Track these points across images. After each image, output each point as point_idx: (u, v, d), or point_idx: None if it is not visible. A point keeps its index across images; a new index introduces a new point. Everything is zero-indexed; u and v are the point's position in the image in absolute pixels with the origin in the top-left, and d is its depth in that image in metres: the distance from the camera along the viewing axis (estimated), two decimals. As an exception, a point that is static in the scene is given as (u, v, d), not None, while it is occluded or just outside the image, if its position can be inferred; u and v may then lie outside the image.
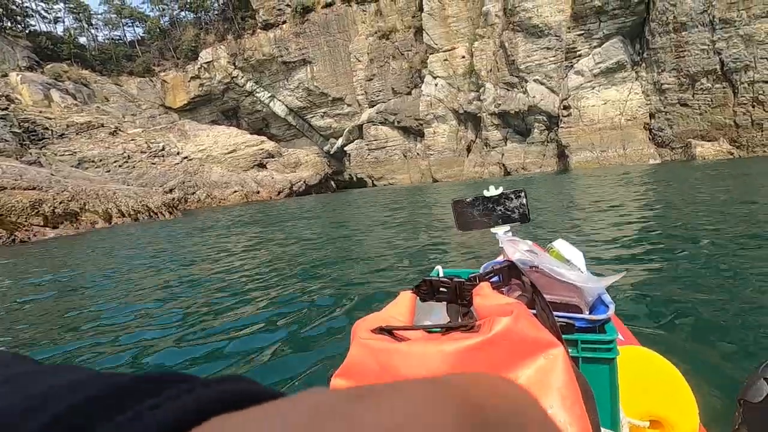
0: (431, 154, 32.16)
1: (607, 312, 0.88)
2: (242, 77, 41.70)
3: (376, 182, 35.82)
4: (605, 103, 24.55)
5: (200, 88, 42.26)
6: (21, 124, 21.29)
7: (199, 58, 41.91)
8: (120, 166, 22.11)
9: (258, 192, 29.40)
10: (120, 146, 23.79)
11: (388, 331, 0.59)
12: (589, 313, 0.92)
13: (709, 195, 8.26)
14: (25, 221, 13.71)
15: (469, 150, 31.42)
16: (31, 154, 18.14)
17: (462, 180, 29.41)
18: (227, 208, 23.41)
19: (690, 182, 11.26)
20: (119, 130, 25.82)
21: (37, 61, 36.98)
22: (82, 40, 48.16)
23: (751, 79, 19.77)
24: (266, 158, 34.75)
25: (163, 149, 26.16)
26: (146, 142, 25.47)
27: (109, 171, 21.28)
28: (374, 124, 36.05)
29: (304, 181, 33.86)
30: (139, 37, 51.06)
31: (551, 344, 0.53)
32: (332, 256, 5.80)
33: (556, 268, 0.93)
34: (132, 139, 25.23)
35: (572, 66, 25.28)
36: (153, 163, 23.84)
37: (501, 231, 1.16)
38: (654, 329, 2.46)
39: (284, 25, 39.29)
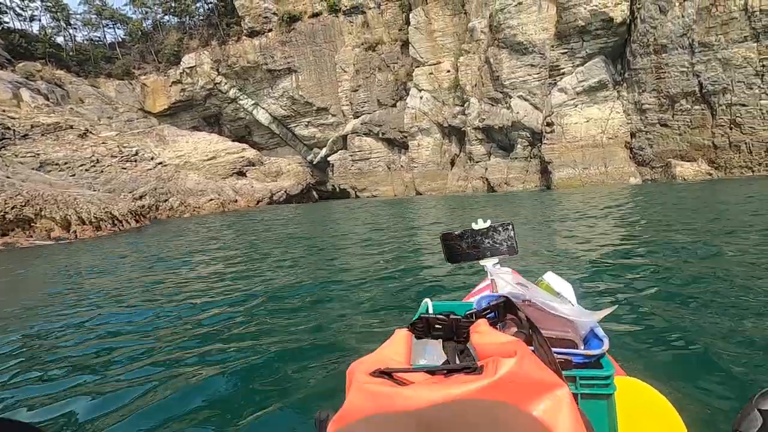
0: (415, 167, 31.84)
1: (602, 346, 0.88)
2: (225, 84, 40.93)
3: (359, 193, 35.25)
4: (587, 121, 24.68)
5: (182, 93, 41.26)
6: (-21, 123, 20.03)
7: (181, 63, 40.98)
8: (87, 170, 20.95)
9: (236, 201, 28.43)
10: (89, 149, 22.62)
11: (387, 373, 0.55)
12: (583, 347, 0.92)
13: (697, 220, 7.95)
14: (-30, 227, 12.59)
15: (452, 164, 31.19)
16: (-15, 154, 16.95)
17: (445, 194, 29.09)
18: (201, 217, 22.40)
19: (676, 205, 11.02)
20: (90, 132, 24.65)
21: (8, 58, 35.44)
22: (59, 39, 46.65)
23: (729, 102, 20.08)
24: (246, 166, 33.85)
25: (136, 154, 25.05)
26: (118, 146, 24.35)
27: (74, 175, 20.10)
28: (358, 135, 35.64)
29: (285, 191, 33.00)
30: (120, 39, 49.81)
31: (556, 384, 0.52)
32: (310, 279, 5.16)
33: (549, 302, 0.92)
34: (103, 143, 24.08)
35: (555, 83, 25.43)
36: (123, 168, 22.73)
37: (489, 263, 1.15)
38: (642, 359, 2.31)
39: (270, 33, 38.84)
